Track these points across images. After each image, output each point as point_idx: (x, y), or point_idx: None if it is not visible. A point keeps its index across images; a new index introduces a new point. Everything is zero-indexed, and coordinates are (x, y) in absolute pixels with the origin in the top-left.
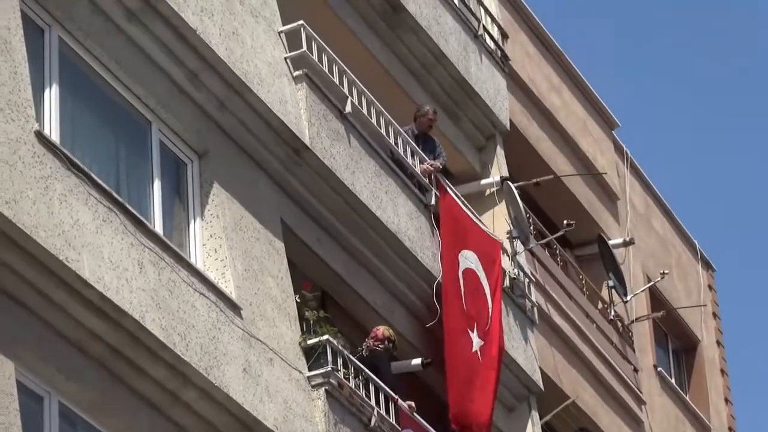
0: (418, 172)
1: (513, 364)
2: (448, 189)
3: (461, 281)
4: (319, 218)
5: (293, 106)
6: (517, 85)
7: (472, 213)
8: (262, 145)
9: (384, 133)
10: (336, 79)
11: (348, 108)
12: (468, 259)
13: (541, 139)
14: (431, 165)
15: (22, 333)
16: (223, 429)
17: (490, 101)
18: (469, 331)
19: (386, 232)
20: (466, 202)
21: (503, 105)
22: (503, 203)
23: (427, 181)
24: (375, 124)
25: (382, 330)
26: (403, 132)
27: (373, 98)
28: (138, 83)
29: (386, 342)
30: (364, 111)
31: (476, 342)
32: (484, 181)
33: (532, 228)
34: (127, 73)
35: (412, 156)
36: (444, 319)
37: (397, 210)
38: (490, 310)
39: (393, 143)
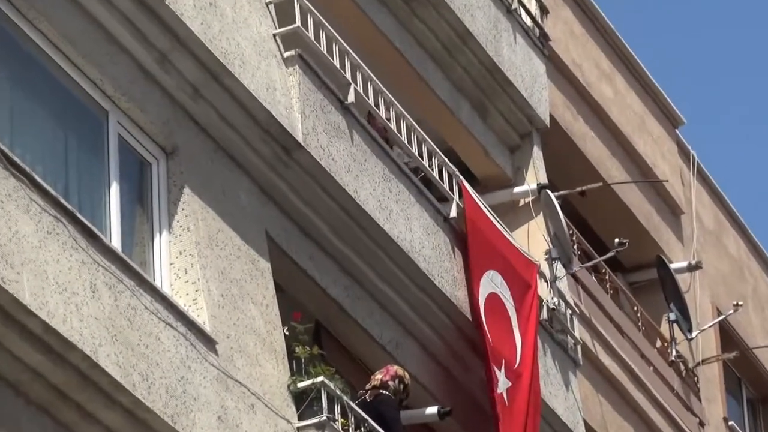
0: (436, 176)
1: (551, 415)
2: (474, 198)
3: (482, 308)
4: (314, 233)
5: (283, 94)
6: (560, 72)
7: (503, 227)
8: (245, 141)
9: (395, 129)
10: (336, 62)
11: (351, 98)
12: (494, 283)
13: (587, 137)
14: None
15: None
16: None
17: (526, 91)
18: (495, 369)
19: (396, 250)
20: (494, 215)
21: (542, 96)
22: (540, 216)
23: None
24: (384, 117)
25: (396, 368)
26: (418, 128)
27: (381, 86)
28: (93, 65)
29: (396, 382)
30: (371, 101)
31: (503, 383)
32: (517, 189)
33: (575, 247)
34: (79, 52)
35: (430, 157)
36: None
37: (410, 223)
38: (518, 346)
39: (406, 141)
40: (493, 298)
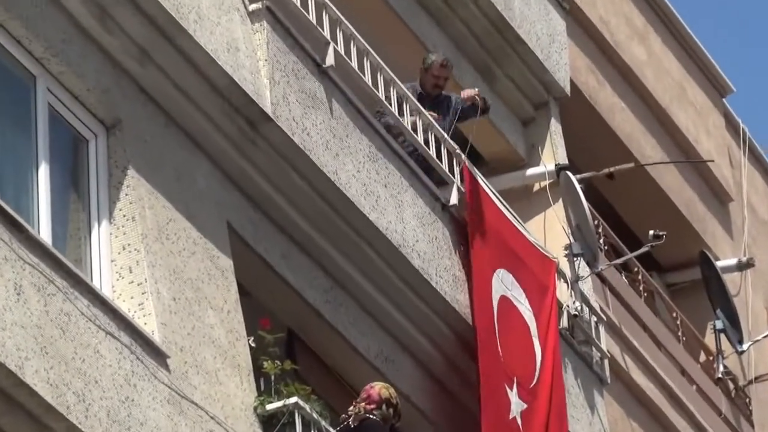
0: (433, 155)
1: None
2: (479, 181)
3: (495, 314)
4: (286, 224)
5: (248, 55)
6: (583, 29)
7: (514, 217)
8: (202, 113)
9: (383, 98)
10: (312, 17)
11: (329, 60)
12: (504, 284)
13: (616, 108)
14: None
15: None
16: None
17: (542, 52)
18: (507, 388)
19: (385, 244)
20: (503, 202)
21: (561, 57)
22: (560, 204)
23: (476, 110)
24: (370, 84)
25: (378, 389)
26: (410, 95)
27: (367, 46)
28: (18, 20)
29: (384, 407)
30: (354, 65)
31: (516, 405)
32: (531, 171)
33: (602, 241)
34: (1, 4)
35: (425, 132)
36: (479, 371)
37: (402, 212)
38: (538, 360)
39: (396, 113)
40: (504, 303)
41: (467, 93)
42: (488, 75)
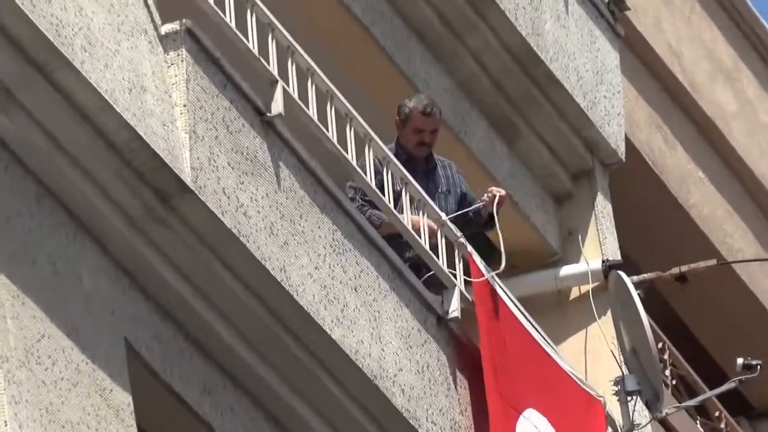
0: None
1: None
2: (492, 285)
3: None
4: (211, 343)
5: (159, 98)
6: (645, 65)
7: (542, 336)
8: (90, 180)
9: (353, 163)
10: (253, 44)
11: (277, 106)
12: (536, 427)
13: (691, 179)
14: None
15: None
16: None
17: (586, 97)
18: None
19: (354, 374)
20: (527, 315)
21: (613, 105)
22: (608, 317)
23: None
24: (335, 141)
25: None
26: (393, 158)
27: (332, 87)
28: None
29: None
30: (312, 113)
31: None
32: (567, 270)
33: (668, 373)
34: None
35: (414, 209)
36: None
37: (379, 327)
38: None
39: (373, 183)
40: None
41: (494, 192)
42: (507, 130)
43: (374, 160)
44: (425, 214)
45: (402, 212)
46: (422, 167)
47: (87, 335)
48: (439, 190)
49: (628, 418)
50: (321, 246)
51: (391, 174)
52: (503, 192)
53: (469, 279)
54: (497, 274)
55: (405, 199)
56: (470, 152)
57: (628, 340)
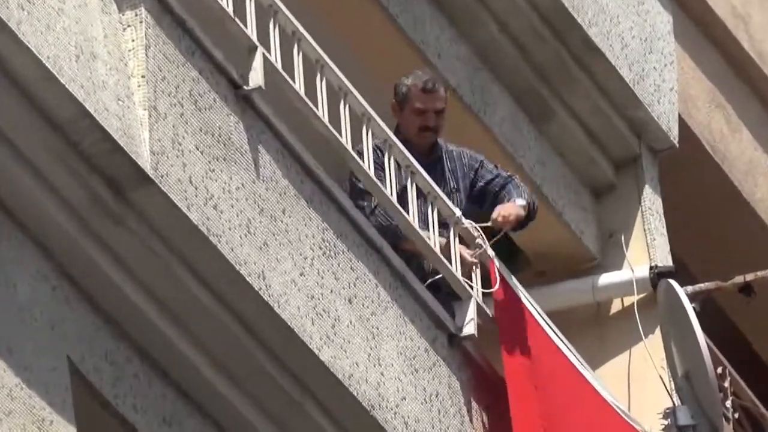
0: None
1: None
2: (518, 295)
3: None
4: (173, 364)
5: (113, 67)
6: (703, 31)
7: (577, 359)
8: (29, 166)
9: (349, 148)
10: (229, 5)
11: (256, 77)
12: None
13: (759, 168)
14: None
15: None
16: None
17: (632, 70)
18: None
19: (348, 402)
20: (559, 333)
21: (664, 80)
22: (656, 335)
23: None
24: (327, 121)
25: None
26: (404, 149)
27: (323, 55)
28: None
29: None
30: (299, 87)
31: None
32: (608, 279)
33: (729, 403)
34: None
35: (426, 205)
36: None
37: (378, 347)
38: None
39: (372, 173)
40: None
41: (499, 222)
42: (536, 108)
43: (373, 144)
44: (454, 231)
45: (406, 208)
46: (422, 162)
47: (22, 354)
48: (444, 191)
49: None
50: (308, 247)
51: (395, 161)
52: (511, 216)
53: (488, 290)
54: (523, 283)
55: (411, 192)
56: (491, 134)
57: (680, 363)
